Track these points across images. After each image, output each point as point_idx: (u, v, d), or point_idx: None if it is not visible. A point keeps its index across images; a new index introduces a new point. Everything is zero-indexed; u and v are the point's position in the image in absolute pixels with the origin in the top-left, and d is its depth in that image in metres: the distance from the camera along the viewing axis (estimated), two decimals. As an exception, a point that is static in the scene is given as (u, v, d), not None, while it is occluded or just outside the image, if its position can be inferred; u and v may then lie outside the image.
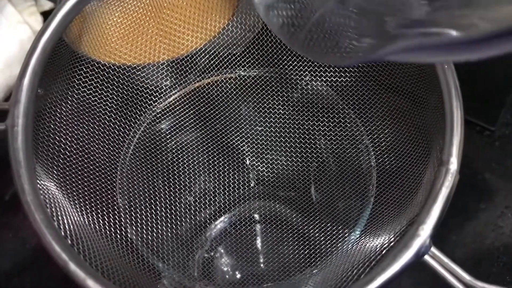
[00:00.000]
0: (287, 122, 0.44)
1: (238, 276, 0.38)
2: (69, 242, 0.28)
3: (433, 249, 0.27)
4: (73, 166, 0.36)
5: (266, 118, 0.44)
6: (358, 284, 0.26)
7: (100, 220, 0.35)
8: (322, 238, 0.37)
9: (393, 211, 0.33)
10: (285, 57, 0.42)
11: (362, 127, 0.40)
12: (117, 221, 0.36)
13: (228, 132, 0.44)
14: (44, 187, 0.31)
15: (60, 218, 0.30)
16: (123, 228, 0.36)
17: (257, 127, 0.44)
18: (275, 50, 0.42)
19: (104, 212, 0.35)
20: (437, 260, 0.27)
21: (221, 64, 0.44)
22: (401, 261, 0.26)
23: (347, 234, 0.36)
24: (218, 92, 0.44)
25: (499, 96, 0.46)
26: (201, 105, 0.44)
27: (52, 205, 0.30)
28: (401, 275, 0.26)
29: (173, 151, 0.42)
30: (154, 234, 0.37)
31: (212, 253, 0.39)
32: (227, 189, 0.43)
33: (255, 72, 0.43)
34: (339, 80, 0.41)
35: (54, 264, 0.27)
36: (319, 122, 0.42)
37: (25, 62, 0.33)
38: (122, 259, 0.33)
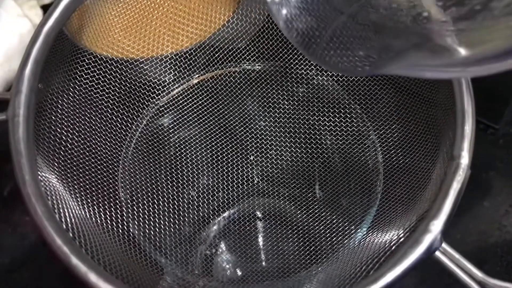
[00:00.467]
0: (292, 117, 0.43)
1: (241, 273, 0.37)
2: (71, 235, 0.28)
3: (444, 245, 0.26)
4: (75, 158, 0.35)
5: (271, 113, 0.43)
6: (368, 280, 0.26)
7: (102, 214, 0.34)
8: (328, 235, 0.37)
9: (402, 206, 0.33)
10: (290, 50, 0.41)
11: (369, 123, 0.40)
12: (119, 215, 0.35)
13: (231, 127, 0.43)
14: (45, 179, 0.30)
15: (61, 211, 0.29)
16: (125, 223, 0.35)
17: (261, 122, 0.43)
18: (280, 44, 0.41)
19: (106, 206, 0.35)
20: (448, 256, 0.26)
21: (225, 57, 0.43)
22: (411, 257, 0.26)
23: (353, 230, 0.36)
24: (222, 86, 0.43)
25: (504, 94, 0.46)
26: (205, 99, 0.43)
27: (54, 197, 0.29)
28: (412, 271, 0.26)
29: (176, 145, 0.42)
30: (157, 229, 0.37)
31: (215, 250, 0.39)
32: (230, 185, 0.43)
33: (260, 66, 0.43)
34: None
35: (54, 259, 0.26)
36: (324, 117, 0.42)
37: (26, 52, 0.32)
38: (124, 254, 0.32)
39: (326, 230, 0.37)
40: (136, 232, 0.35)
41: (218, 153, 0.42)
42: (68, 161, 0.35)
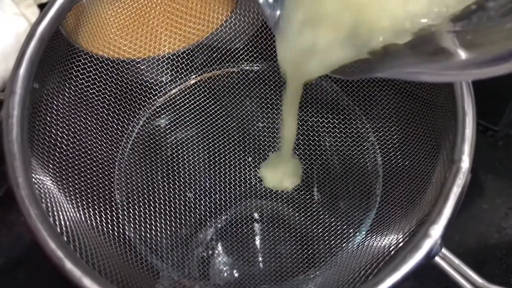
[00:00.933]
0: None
1: (238, 276, 0.37)
2: (65, 239, 0.27)
3: (443, 250, 0.26)
4: (70, 160, 0.35)
5: (269, 114, 0.43)
6: (366, 285, 0.25)
7: (97, 216, 0.34)
8: (326, 239, 0.36)
9: (401, 210, 0.32)
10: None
11: (368, 124, 0.39)
12: (114, 218, 0.35)
13: (229, 128, 0.43)
14: (40, 181, 0.30)
15: (55, 214, 0.29)
16: (120, 225, 0.35)
17: (259, 123, 0.43)
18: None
19: (102, 209, 0.34)
20: (448, 262, 0.26)
21: (223, 58, 0.43)
22: (411, 262, 0.25)
23: (352, 234, 0.35)
24: (220, 87, 0.43)
25: (503, 96, 0.45)
26: (202, 100, 0.43)
27: (48, 200, 0.29)
28: (411, 277, 0.25)
29: (173, 146, 0.42)
30: (153, 232, 0.36)
31: (211, 252, 0.38)
32: (227, 187, 0.42)
33: (258, 66, 0.43)
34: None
35: (51, 262, 0.26)
36: (323, 119, 0.42)
37: (21, 52, 0.31)
38: (119, 258, 0.32)
39: (324, 233, 0.37)
40: (132, 235, 0.35)
41: (216, 154, 0.42)
42: (63, 163, 0.34)
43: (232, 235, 0.39)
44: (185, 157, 0.41)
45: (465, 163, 0.28)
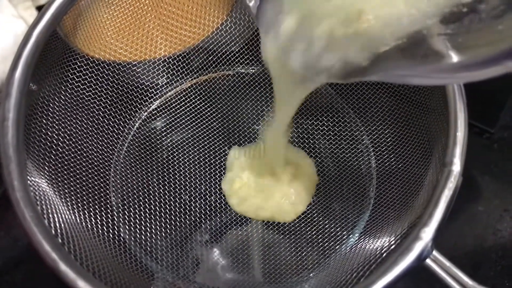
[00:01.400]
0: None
1: (232, 278, 0.37)
2: (60, 241, 0.28)
3: (435, 252, 0.26)
4: (66, 163, 0.35)
5: (264, 117, 0.43)
6: (359, 287, 0.26)
7: (92, 218, 0.34)
8: (319, 241, 0.37)
9: (394, 213, 0.33)
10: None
11: (362, 127, 0.39)
12: (109, 220, 0.35)
13: (225, 131, 0.43)
14: (35, 184, 0.30)
15: (50, 216, 0.29)
16: (115, 228, 0.35)
17: (255, 125, 0.43)
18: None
19: (97, 211, 0.35)
20: (439, 264, 0.26)
21: (218, 61, 0.43)
22: (402, 265, 0.26)
23: (345, 236, 0.35)
24: (216, 90, 0.43)
25: (499, 98, 0.45)
26: (198, 102, 0.43)
27: (43, 202, 0.29)
28: (402, 279, 0.26)
29: (169, 149, 0.42)
30: (148, 234, 0.36)
31: (206, 254, 0.38)
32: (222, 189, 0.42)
33: (254, 69, 0.43)
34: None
35: (45, 264, 0.26)
36: (318, 121, 0.42)
37: (17, 54, 0.32)
38: (114, 259, 0.32)
39: (318, 235, 0.37)
40: (127, 237, 0.35)
41: (211, 157, 0.42)
42: (59, 166, 0.34)
43: (227, 237, 0.39)
44: (180, 159, 0.41)
45: (457, 166, 0.28)
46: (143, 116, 0.41)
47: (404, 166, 0.35)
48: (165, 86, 0.43)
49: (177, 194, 0.40)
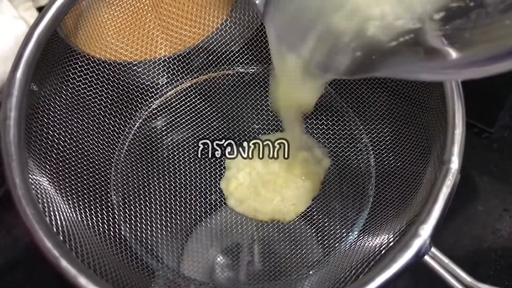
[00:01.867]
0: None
1: (232, 275, 0.37)
2: (61, 238, 0.28)
3: (433, 249, 0.26)
4: (67, 161, 0.35)
5: (264, 116, 0.43)
6: (357, 283, 0.26)
7: (93, 216, 0.34)
8: (319, 238, 0.37)
9: (393, 210, 0.33)
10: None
11: (361, 126, 0.40)
12: (110, 218, 0.35)
13: (225, 130, 0.43)
14: (36, 182, 0.30)
15: (52, 213, 0.29)
16: (116, 226, 0.35)
17: (254, 125, 0.43)
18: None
19: (98, 209, 0.35)
20: (437, 261, 0.26)
21: (218, 60, 0.43)
22: (400, 261, 0.26)
23: (345, 234, 0.36)
24: (216, 89, 0.43)
25: (498, 98, 0.46)
26: (198, 101, 0.43)
27: (44, 200, 0.29)
28: (401, 275, 0.26)
29: (169, 148, 0.42)
30: (148, 232, 0.37)
31: (206, 252, 0.38)
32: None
33: (254, 69, 0.43)
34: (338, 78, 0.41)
35: (46, 261, 0.26)
36: (317, 120, 0.42)
37: (18, 54, 0.32)
38: (115, 257, 0.32)
39: (318, 233, 0.37)
40: (128, 234, 0.35)
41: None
42: (60, 164, 0.34)
43: (227, 235, 0.39)
44: (181, 158, 0.41)
45: (455, 164, 0.28)
46: (144, 116, 0.42)
47: (403, 165, 0.35)
48: (165, 86, 0.43)
49: (177, 192, 0.40)
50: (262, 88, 0.43)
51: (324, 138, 0.42)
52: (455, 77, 0.30)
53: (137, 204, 0.38)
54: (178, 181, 0.40)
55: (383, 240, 0.30)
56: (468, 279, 0.26)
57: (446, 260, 0.26)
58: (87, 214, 0.34)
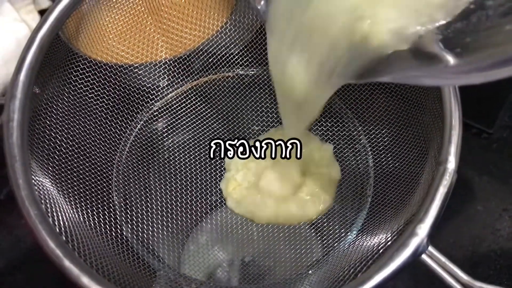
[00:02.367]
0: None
1: (233, 275, 0.38)
2: (64, 238, 0.28)
3: (430, 248, 0.27)
4: (69, 162, 0.35)
5: (264, 118, 0.43)
6: (356, 282, 0.26)
7: (95, 217, 0.34)
8: (318, 238, 0.37)
9: (391, 210, 0.33)
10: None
11: (360, 127, 0.40)
12: (112, 219, 0.36)
13: (225, 131, 0.43)
14: (39, 183, 0.30)
15: (55, 214, 0.29)
16: (118, 226, 0.35)
17: (254, 126, 0.43)
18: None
19: (100, 210, 0.35)
20: (435, 260, 0.27)
21: (219, 63, 0.43)
22: (398, 260, 0.26)
23: (343, 234, 0.36)
24: (216, 91, 0.43)
25: (497, 98, 0.46)
26: (198, 104, 0.43)
27: (47, 201, 0.30)
28: (399, 274, 0.26)
29: (170, 149, 0.42)
30: (150, 232, 0.37)
31: (207, 252, 0.39)
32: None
33: (253, 71, 0.43)
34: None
35: (48, 262, 0.27)
36: (316, 122, 0.42)
37: (21, 57, 0.32)
38: (117, 257, 0.33)
39: (317, 233, 0.37)
40: (130, 235, 0.35)
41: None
42: (63, 165, 0.35)
43: (227, 235, 0.39)
44: (181, 159, 0.42)
45: (451, 163, 0.28)
46: (145, 118, 0.42)
47: (401, 165, 0.36)
48: (166, 88, 0.43)
49: (178, 193, 0.40)
50: (261, 89, 0.44)
51: (323, 139, 0.42)
52: (456, 82, 0.30)
53: (138, 205, 0.38)
54: (179, 182, 0.40)
55: (381, 239, 0.30)
56: (465, 277, 0.26)
57: (443, 258, 0.27)
58: (89, 214, 0.34)
